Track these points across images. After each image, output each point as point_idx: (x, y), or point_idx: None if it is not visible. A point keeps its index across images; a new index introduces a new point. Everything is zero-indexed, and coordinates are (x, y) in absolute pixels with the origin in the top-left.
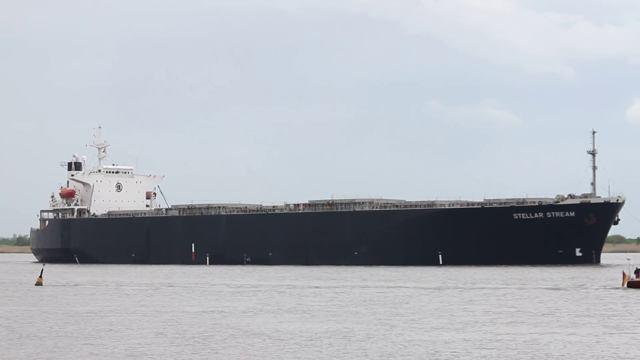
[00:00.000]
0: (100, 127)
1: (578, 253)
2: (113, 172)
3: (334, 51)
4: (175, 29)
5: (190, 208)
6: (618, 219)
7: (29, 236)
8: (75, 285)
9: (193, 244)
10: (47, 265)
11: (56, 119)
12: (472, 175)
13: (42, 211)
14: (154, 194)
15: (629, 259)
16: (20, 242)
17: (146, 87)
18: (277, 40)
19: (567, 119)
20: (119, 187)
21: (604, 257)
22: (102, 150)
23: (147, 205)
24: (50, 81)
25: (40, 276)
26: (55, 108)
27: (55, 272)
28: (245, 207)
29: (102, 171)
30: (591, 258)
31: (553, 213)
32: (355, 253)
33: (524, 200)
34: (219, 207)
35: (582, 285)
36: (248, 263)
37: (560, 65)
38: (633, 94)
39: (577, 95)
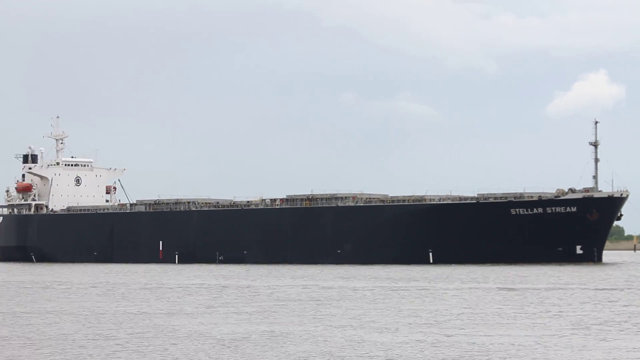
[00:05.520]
0: (58, 117)
1: (579, 251)
2: (72, 165)
3: (248, 42)
4: (95, 17)
5: (157, 203)
6: (621, 214)
7: None
8: None
9: (161, 242)
10: None
11: (9, 108)
12: (389, 171)
13: None
14: (114, 188)
15: None
16: None
17: (100, 77)
18: (193, 31)
19: (488, 113)
20: (78, 181)
21: (606, 255)
22: (60, 141)
23: (107, 200)
24: (3, 69)
25: None
26: (7, 97)
27: None
28: (217, 202)
29: (60, 164)
30: (592, 256)
31: (553, 208)
32: (339, 251)
33: (521, 195)
34: (189, 202)
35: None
36: (221, 262)
37: (481, 58)
38: (554, 87)
39: (498, 89)
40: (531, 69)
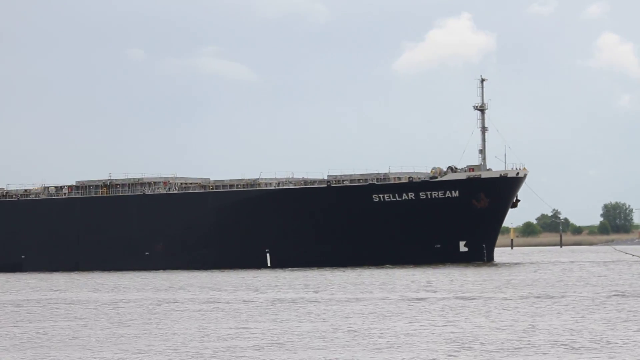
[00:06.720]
0: None
1: (463, 248)
2: None
3: None
4: None
5: None
6: (518, 200)
7: None
8: None
9: None
10: None
11: None
12: (206, 148)
13: None
14: None
15: None
16: None
17: None
18: None
19: (318, 72)
20: None
21: (499, 254)
22: None
23: None
24: None
25: None
26: None
27: None
28: None
29: None
30: (481, 254)
31: (429, 193)
32: (147, 253)
33: (386, 176)
34: None
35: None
36: None
37: (307, 2)
38: (402, 37)
39: (331, 42)
40: (372, 15)
